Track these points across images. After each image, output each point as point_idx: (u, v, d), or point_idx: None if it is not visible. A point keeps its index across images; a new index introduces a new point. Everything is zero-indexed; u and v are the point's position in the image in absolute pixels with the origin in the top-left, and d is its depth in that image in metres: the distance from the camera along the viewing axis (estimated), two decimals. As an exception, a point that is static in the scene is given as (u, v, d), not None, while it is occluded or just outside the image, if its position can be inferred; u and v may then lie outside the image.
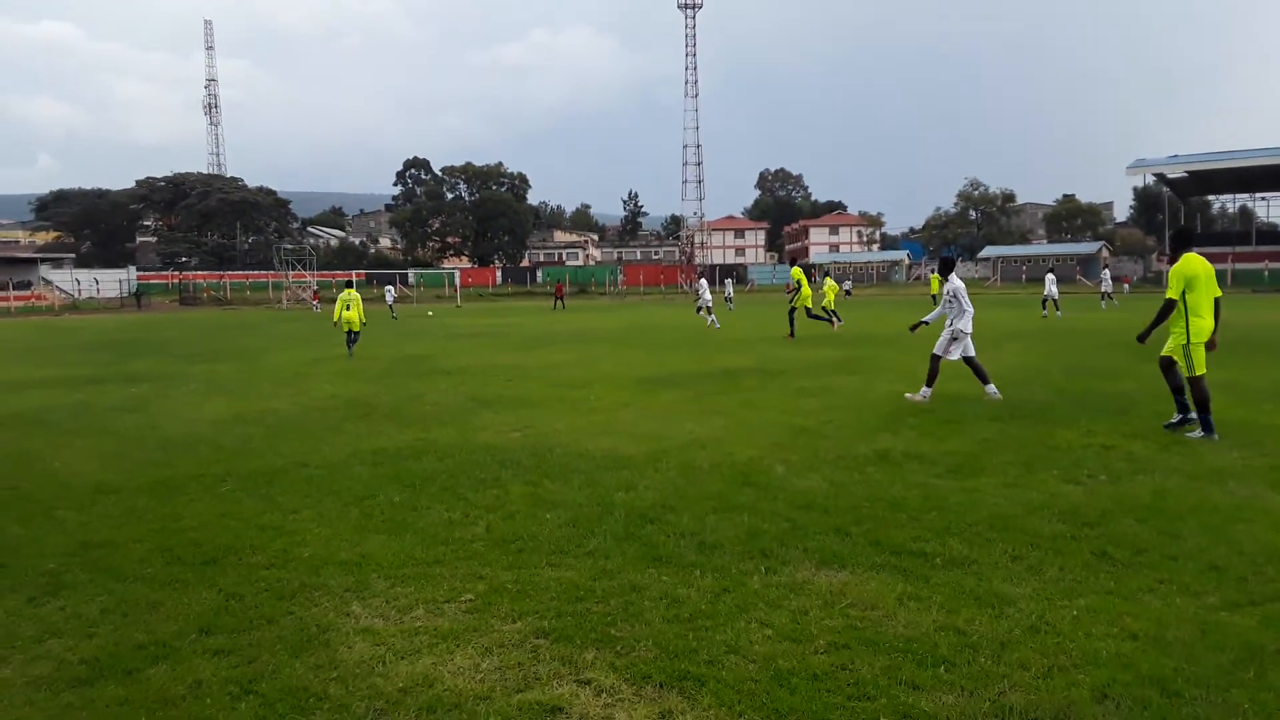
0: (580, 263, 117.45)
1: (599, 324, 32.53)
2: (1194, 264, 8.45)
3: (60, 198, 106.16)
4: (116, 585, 4.93)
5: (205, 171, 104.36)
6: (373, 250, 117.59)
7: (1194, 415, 8.51)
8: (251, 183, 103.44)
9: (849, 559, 5.14)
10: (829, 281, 29.91)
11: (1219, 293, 8.59)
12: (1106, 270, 39.08)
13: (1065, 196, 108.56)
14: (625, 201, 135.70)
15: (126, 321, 45.81)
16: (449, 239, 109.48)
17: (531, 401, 11.87)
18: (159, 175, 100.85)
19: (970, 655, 3.88)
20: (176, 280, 79.81)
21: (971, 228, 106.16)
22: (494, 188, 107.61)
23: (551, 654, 3.94)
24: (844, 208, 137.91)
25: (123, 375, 16.48)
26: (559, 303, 51.30)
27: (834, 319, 23.76)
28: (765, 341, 22.00)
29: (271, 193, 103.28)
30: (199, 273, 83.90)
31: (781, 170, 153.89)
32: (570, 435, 9.27)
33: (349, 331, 20.35)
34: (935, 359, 11.12)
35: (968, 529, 5.66)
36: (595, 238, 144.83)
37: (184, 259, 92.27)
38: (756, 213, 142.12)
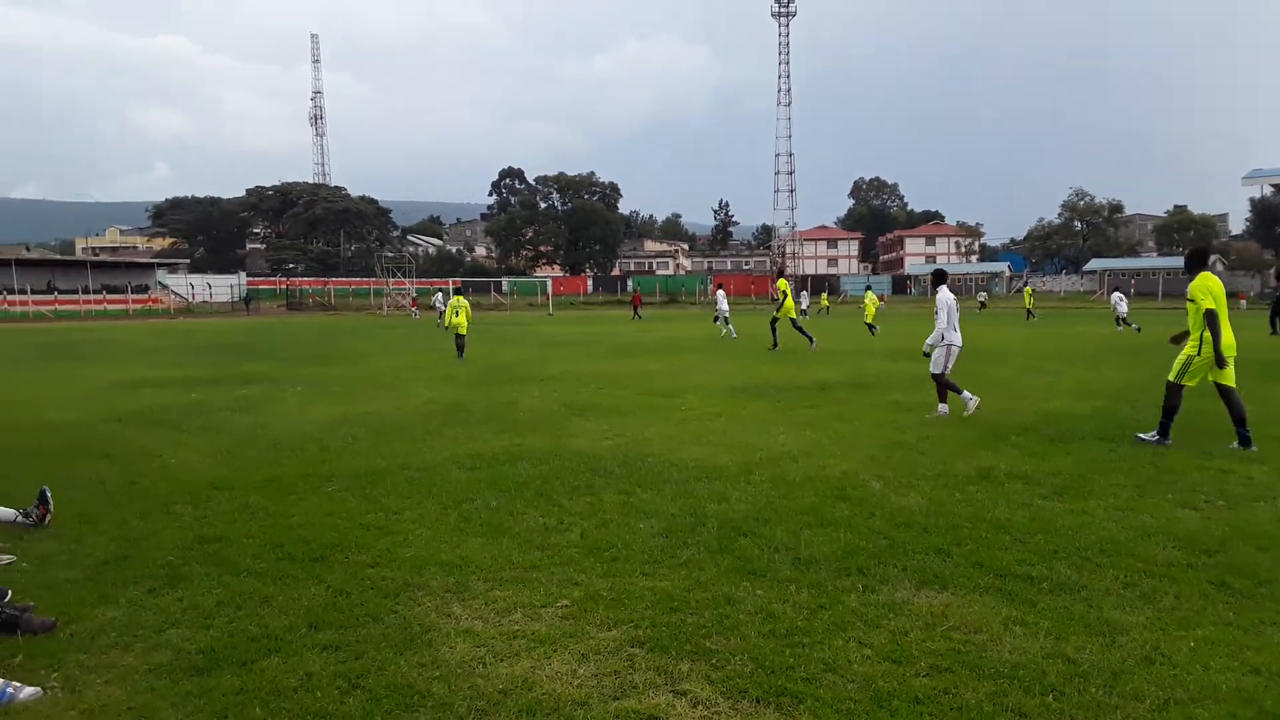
0: (670, 272, 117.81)
1: (689, 333, 32.55)
2: (1216, 282, 8.67)
3: (175, 205, 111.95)
4: (231, 579, 5.15)
5: (311, 181, 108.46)
6: (468, 258, 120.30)
7: (1252, 447, 8.50)
8: (354, 192, 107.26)
9: (950, 580, 5.02)
10: (869, 295, 30.25)
11: (1225, 312, 8.77)
12: (1117, 293, 34.91)
13: (1176, 207, 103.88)
14: (716, 211, 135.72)
15: (237, 325, 47.95)
16: (542, 248, 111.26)
17: (623, 409, 11.95)
18: (267, 184, 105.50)
19: (1080, 684, 3.75)
20: (284, 286, 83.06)
21: (1076, 239, 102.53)
22: (586, 197, 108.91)
23: (647, 663, 3.96)
24: (941, 218, 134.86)
25: (234, 377, 17.23)
26: (636, 313, 51.25)
27: (811, 339, 23.59)
28: (858, 354, 21.66)
29: (373, 202, 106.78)
30: (305, 279, 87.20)
31: (876, 179, 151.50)
32: (662, 444, 9.30)
33: (458, 335, 21.32)
34: (937, 378, 11.18)
35: (1076, 553, 5.47)
36: (685, 247, 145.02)
37: (291, 265, 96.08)
38: (850, 222, 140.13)
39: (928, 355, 11.14)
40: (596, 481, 7.54)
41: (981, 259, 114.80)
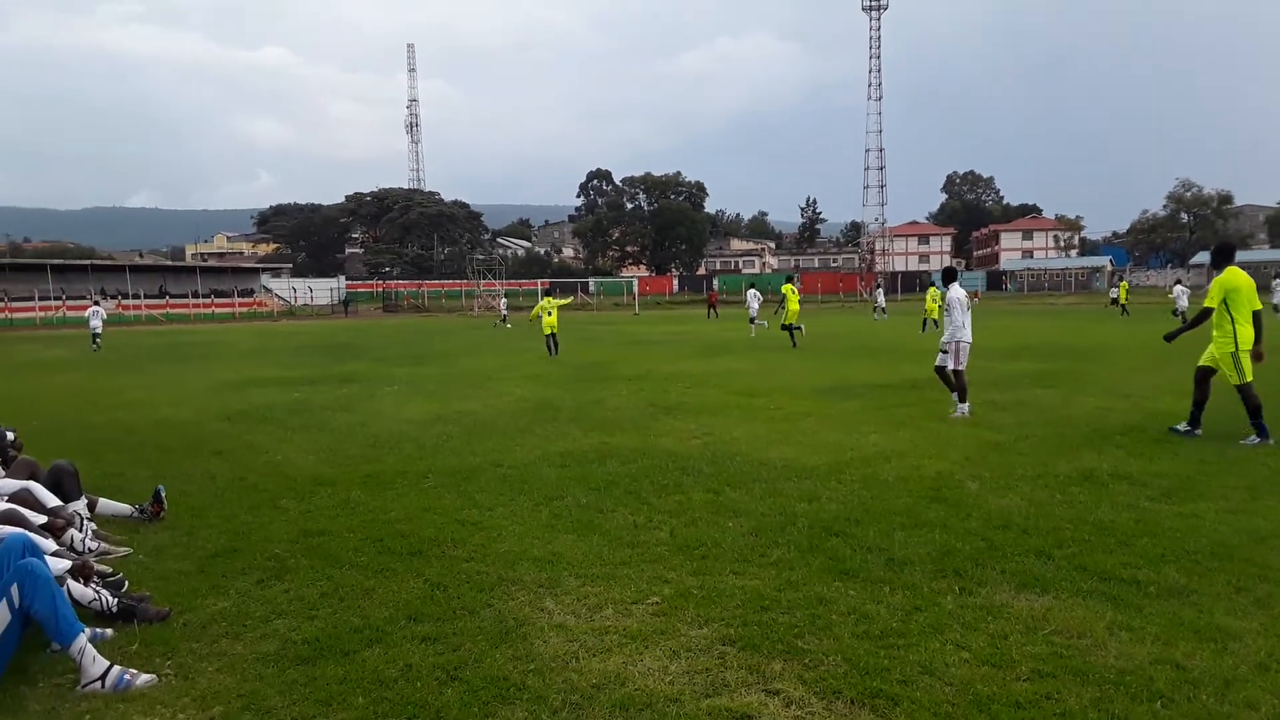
0: (756, 271, 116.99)
1: (775, 332, 32.26)
2: (1237, 276, 8.82)
3: (278, 212, 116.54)
4: (334, 571, 5.34)
5: (406, 186, 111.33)
6: (556, 260, 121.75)
7: (1199, 431, 8.99)
8: (447, 196, 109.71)
9: (1051, 583, 4.87)
10: (931, 290, 30.17)
11: (1259, 305, 8.92)
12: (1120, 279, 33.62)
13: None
14: (803, 208, 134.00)
15: (335, 327, 49.59)
16: (628, 248, 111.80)
17: (710, 408, 11.93)
18: (365, 190, 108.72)
19: (1190, 691, 3.60)
20: (380, 289, 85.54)
21: (1183, 232, 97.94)
22: (672, 197, 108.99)
23: (739, 661, 3.95)
24: (1038, 211, 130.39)
25: (334, 376, 17.84)
26: (712, 311, 50.65)
27: (794, 339, 23.94)
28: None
29: (465, 206, 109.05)
30: (400, 281, 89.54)
31: (970, 173, 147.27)
32: (750, 443, 9.26)
33: (549, 335, 22.24)
34: (956, 374, 11.08)
35: (1185, 557, 5.24)
36: (772, 245, 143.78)
37: (387, 269, 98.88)
38: (942, 218, 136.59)
39: (945, 352, 11.14)
40: (685, 480, 7.55)
41: (1081, 253, 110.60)
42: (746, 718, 3.48)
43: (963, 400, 10.93)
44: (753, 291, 32.11)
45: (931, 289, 30.60)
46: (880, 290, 49.59)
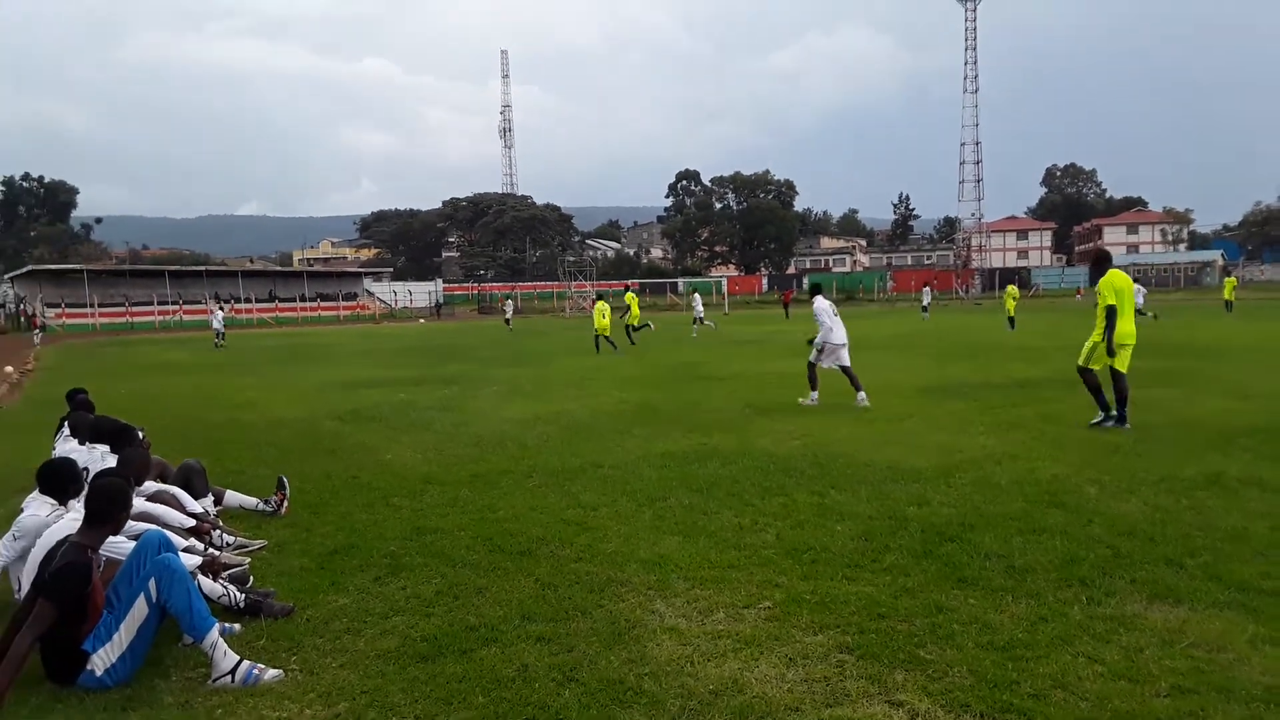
0: (847, 269, 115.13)
1: (871, 331, 31.65)
2: (1120, 278, 9.73)
3: (379, 218, 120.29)
4: (447, 569, 5.44)
5: (500, 191, 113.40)
6: (645, 260, 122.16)
7: (1126, 425, 9.56)
8: (539, 199, 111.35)
9: (1185, 594, 4.62)
10: (1010, 289, 32.05)
11: (1135, 305, 9.90)
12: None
13: None
14: (895, 205, 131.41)
15: (434, 329, 50.77)
16: (717, 248, 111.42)
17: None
18: (461, 195, 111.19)
19: (1349, 711, 3.36)
20: (475, 291, 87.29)
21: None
22: (761, 196, 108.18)
23: (858, 671, 3.86)
24: (1144, 204, 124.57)
25: (435, 378, 18.25)
26: (787, 310, 49.38)
27: (615, 347, 24.53)
28: (1059, 350, 20.34)
29: (556, 209, 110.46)
30: (494, 284, 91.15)
31: (1071, 165, 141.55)
32: (852, 444, 9.08)
33: (599, 336, 24.21)
34: (810, 366, 12.61)
35: (1329, 568, 4.91)
36: (863, 243, 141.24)
37: (481, 272, 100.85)
38: (1042, 212, 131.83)
39: (820, 351, 12.67)
40: (788, 482, 7.45)
41: (1190, 248, 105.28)
42: (870, 729, 3.39)
43: (813, 388, 12.46)
44: (697, 295, 34.96)
45: (1010, 286, 32.13)
46: (927, 289, 47.39)
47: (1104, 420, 9.75)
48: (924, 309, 43.45)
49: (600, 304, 25.47)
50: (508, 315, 46.72)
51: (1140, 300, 31.53)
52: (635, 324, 27.29)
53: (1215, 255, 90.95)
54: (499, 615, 4.62)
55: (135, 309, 65.10)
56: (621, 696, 3.69)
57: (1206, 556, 5.20)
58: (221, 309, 39.12)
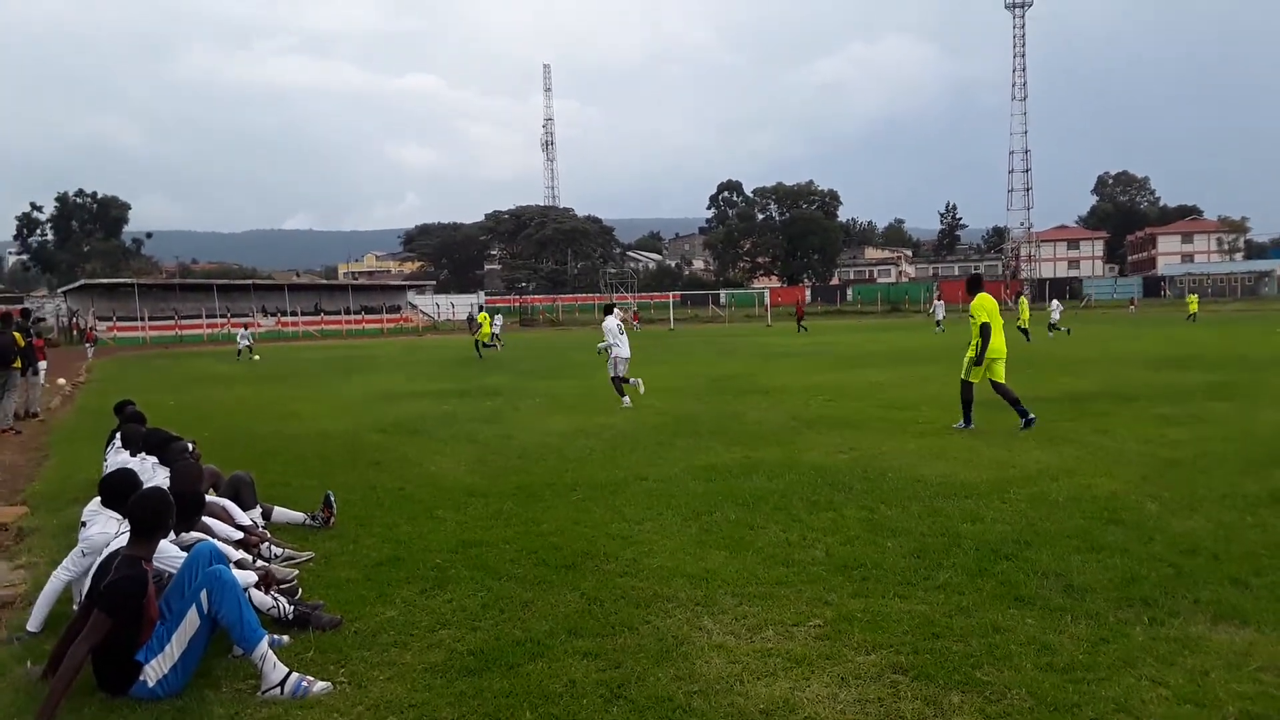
0: (893, 280, 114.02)
1: (918, 343, 31.27)
2: (990, 301, 10.95)
3: (423, 231, 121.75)
4: (492, 582, 5.41)
5: (542, 204, 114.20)
6: (686, 272, 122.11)
7: (1030, 417, 10.54)
8: (580, 212, 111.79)
9: (1253, 615, 4.47)
10: (1023, 300, 33.17)
11: (1001, 321, 11.05)
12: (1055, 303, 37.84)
13: None
14: (942, 214, 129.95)
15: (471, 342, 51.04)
16: (759, 259, 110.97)
17: (855, 422, 11.61)
18: (503, 208, 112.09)
19: None
20: (517, 304, 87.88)
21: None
22: (804, 206, 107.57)
23: (912, 692, 3.76)
24: (1199, 213, 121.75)
25: (478, 390, 18.35)
26: (800, 325, 46.53)
27: (496, 345, 28.07)
28: (1113, 362, 19.93)
29: (598, 221, 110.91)
30: (536, 296, 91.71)
31: (1123, 174, 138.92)
32: (901, 458, 8.93)
33: (477, 342, 29.16)
34: (614, 380, 14.67)
35: (1403, 589, 4.70)
36: (909, 254, 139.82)
37: (523, 284, 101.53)
38: (1093, 221, 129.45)
39: (600, 354, 15.45)
40: (836, 497, 7.33)
41: (1247, 257, 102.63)
42: (927, 753, 3.29)
43: (621, 394, 14.46)
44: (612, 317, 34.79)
45: (1022, 299, 33.71)
46: (941, 301, 44.98)
47: (964, 425, 10.88)
48: (938, 323, 41.26)
49: (483, 315, 30.46)
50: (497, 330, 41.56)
51: (1056, 315, 34.59)
52: (485, 340, 30.55)
53: (1274, 265, 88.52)
54: (545, 630, 4.59)
55: (184, 322, 66.54)
56: (670, 715, 3.63)
57: (1273, 576, 5.03)
58: (246, 329, 41.01)
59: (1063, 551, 5.59)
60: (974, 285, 11.56)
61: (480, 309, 33.97)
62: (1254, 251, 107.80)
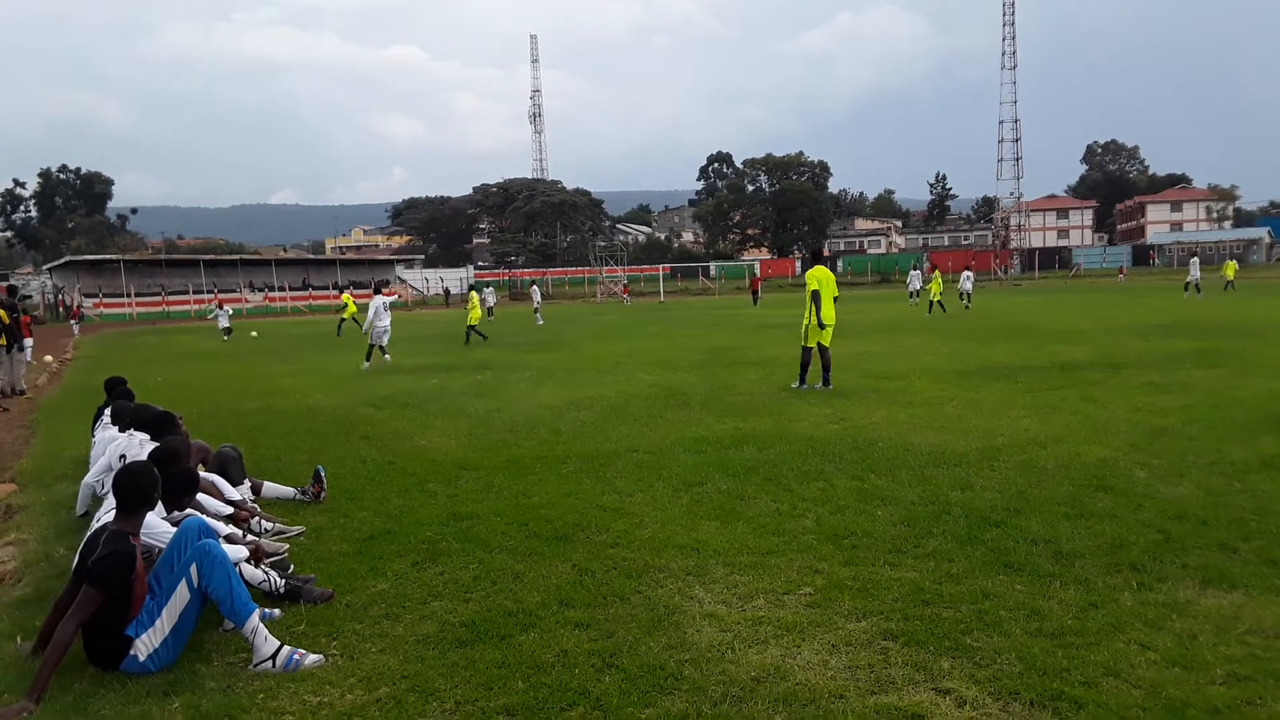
0: (883, 250, 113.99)
1: (908, 314, 31.31)
2: (822, 271, 12.17)
3: (410, 205, 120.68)
4: (484, 554, 5.41)
5: (530, 176, 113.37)
6: (676, 245, 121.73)
7: (830, 386, 11.92)
8: (569, 185, 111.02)
9: (1240, 579, 4.51)
10: (936, 275, 32.41)
11: (837, 293, 12.39)
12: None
13: None
14: (932, 185, 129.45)
15: (461, 315, 50.88)
16: (749, 231, 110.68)
17: (845, 392, 11.63)
18: (491, 181, 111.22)
19: None
20: (506, 277, 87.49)
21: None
22: (794, 178, 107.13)
23: (903, 658, 3.78)
24: (1188, 181, 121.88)
25: (468, 364, 18.31)
26: (756, 299, 47.11)
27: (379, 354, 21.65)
28: (1102, 331, 19.99)
29: (587, 194, 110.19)
30: (525, 270, 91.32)
31: (1113, 142, 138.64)
32: (891, 428, 8.96)
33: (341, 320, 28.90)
34: (371, 348, 18.34)
35: (1389, 552, 4.75)
36: (899, 224, 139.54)
37: (513, 258, 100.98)
38: (1083, 190, 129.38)
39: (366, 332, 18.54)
40: (826, 467, 7.35)
41: (1236, 225, 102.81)
42: (918, 717, 3.31)
43: (368, 359, 18.20)
44: (534, 289, 37.36)
45: (936, 273, 33.06)
46: (917, 271, 42.98)
47: (799, 386, 12.07)
48: (912, 294, 39.76)
49: (473, 294, 27.54)
50: (536, 304, 39.18)
51: (969, 285, 34.14)
52: (475, 323, 26.63)
53: (1262, 233, 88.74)
54: (537, 601, 4.59)
55: (171, 298, 66.02)
56: (662, 683, 3.64)
57: (1261, 541, 5.07)
58: (221, 306, 38.03)
59: (1052, 518, 5.62)
60: (814, 258, 12.84)
61: (471, 287, 32.28)
62: (1243, 219, 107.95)
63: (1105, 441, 7.87)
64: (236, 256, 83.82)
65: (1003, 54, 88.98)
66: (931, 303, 30.79)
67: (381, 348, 18.52)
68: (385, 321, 18.46)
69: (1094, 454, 7.39)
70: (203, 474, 6.13)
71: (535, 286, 42.54)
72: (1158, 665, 3.63)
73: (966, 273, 35.94)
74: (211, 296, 64.79)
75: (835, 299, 12.33)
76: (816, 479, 6.94)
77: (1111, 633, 3.94)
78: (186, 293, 67.16)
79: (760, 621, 4.23)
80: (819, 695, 3.48)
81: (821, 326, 12.00)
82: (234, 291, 67.40)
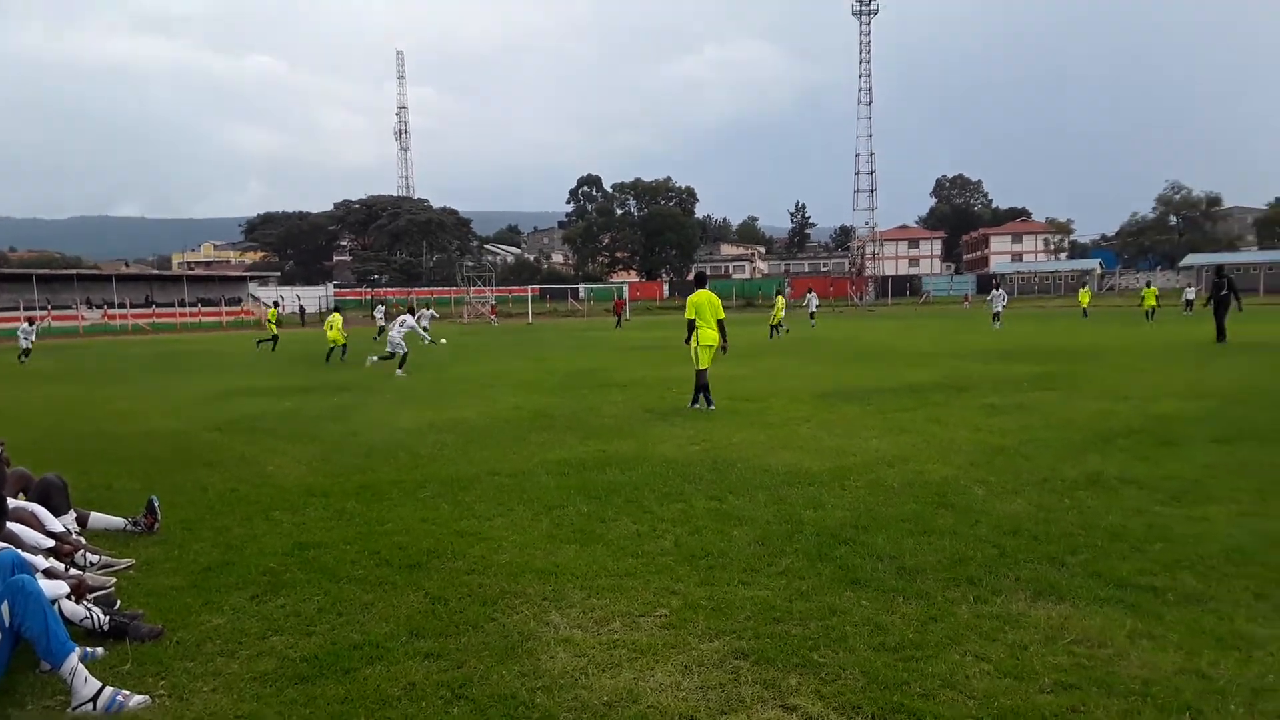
0: (747, 275, 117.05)
1: (766, 340, 32.18)
2: (702, 296, 12.58)
3: (266, 220, 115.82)
4: (330, 585, 5.19)
5: (395, 194, 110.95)
6: (545, 266, 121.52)
7: (703, 404, 12.31)
8: (436, 203, 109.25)
9: (1068, 591, 4.78)
10: (779, 299, 34.10)
11: (722, 315, 12.67)
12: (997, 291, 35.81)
13: (1279, 199, 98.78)
14: (792, 213, 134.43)
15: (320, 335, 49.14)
16: (618, 254, 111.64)
17: (708, 415, 11.81)
18: (354, 198, 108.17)
19: (1218, 702, 3.52)
20: (368, 296, 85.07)
21: (1172, 234, 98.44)
22: (662, 202, 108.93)
23: (753, 676, 3.83)
24: (1028, 214, 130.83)
25: (325, 385, 17.64)
26: (620, 321, 48.42)
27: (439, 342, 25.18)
28: (951, 356, 21.09)
29: (454, 213, 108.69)
30: (389, 289, 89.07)
31: (960, 177, 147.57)
32: (750, 449, 9.15)
33: (331, 347, 25.25)
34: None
35: (1200, 562, 5.16)
36: (762, 250, 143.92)
37: (375, 276, 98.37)
38: (932, 221, 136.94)
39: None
40: (686, 488, 7.42)
41: (1071, 256, 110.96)
42: (765, 736, 3.36)
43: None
44: (429, 312, 35.69)
45: (779, 298, 34.72)
46: (813, 294, 44.49)
47: (696, 405, 12.41)
48: (811, 315, 42.13)
49: (332, 316, 26.45)
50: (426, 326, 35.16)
51: (814, 306, 40.45)
52: (339, 343, 25.97)
53: (1094, 264, 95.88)
54: (385, 632, 4.43)
55: (0, 315, 61.03)
56: (513, 712, 3.57)
57: (1087, 554, 5.39)
58: (30, 323, 34.17)
59: (897, 535, 5.84)
60: (698, 282, 13.27)
61: (335, 308, 29.74)
62: (1077, 251, 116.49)
63: (948, 460, 8.26)
64: (73, 271, 78.30)
65: (859, 89, 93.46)
66: (772, 326, 32.07)
67: (385, 358, 20.59)
68: (399, 334, 20.34)
69: (937, 472, 7.74)
70: (22, 503, 5.66)
71: (429, 309, 37.51)
72: (991, 676, 3.80)
73: (811, 295, 40.13)
74: (46, 312, 60.38)
75: (720, 321, 12.64)
76: (676, 500, 7.00)
77: (949, 645, 4.11)
78: (17, 309, 62.19)
79: (615, 645, 4.20)
80: (670, 717, 3.48)
81: (711, 349, 12.43)
82: (69, 308, 62.94)
